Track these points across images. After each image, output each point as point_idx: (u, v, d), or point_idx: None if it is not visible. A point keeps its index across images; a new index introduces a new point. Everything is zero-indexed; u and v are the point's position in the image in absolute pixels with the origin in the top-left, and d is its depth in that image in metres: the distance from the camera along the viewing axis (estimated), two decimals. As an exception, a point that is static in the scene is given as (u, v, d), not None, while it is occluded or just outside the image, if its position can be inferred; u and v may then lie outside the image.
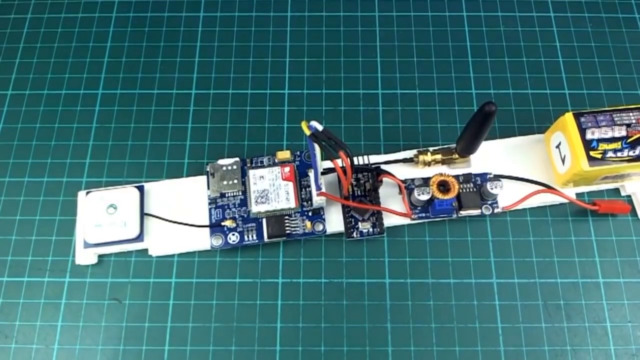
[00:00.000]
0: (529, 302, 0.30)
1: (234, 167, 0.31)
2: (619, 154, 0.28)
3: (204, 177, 0.32)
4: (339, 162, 0.26)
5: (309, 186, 0.31)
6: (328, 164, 0.30)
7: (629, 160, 0.28)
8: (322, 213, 0.31)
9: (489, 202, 0.31)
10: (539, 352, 0.29)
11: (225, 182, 0.31)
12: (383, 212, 0.31)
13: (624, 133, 0.29)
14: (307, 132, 0.25)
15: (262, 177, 0.30)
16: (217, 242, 0.30)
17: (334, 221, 0.31)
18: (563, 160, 0.30)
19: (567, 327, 0.29)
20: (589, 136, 0.29)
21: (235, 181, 0.31)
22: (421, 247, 0.31)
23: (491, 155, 0.32)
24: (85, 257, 0.30)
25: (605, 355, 0.29)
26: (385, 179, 0.31)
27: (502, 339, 0.29)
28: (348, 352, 0.29)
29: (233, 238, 0.30)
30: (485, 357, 0.29)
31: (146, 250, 0.31)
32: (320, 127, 0.25)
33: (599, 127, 0.29)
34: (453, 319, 0.29)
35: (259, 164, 0.32)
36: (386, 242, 0.31)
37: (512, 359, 0.29)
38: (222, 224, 0.30)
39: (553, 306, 0.30)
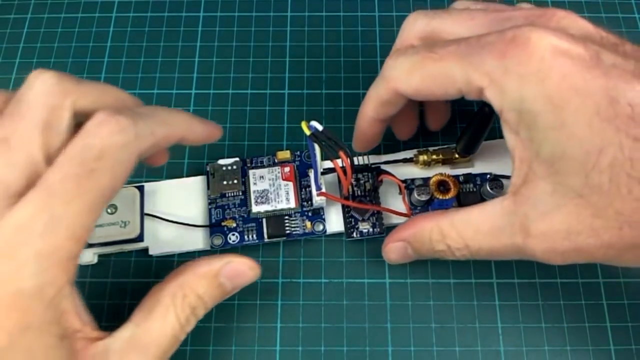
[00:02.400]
0: (529, 302, 0.30)
1: (234, 167, 0.31)
2: None
3: (204, 177, 0.32)
4: (339, 162, 0.26)
5: (309, 186, 0.31)
6: (328, 164, 0.30)
7: None
8: (322, 213, 0.31)
9: (489, 202, 0.31)
10: (539, 352, 0.29)
11: (225, 182, 0.31)
12: (383, 212, 0.31)
13: None
14: (307, 132, 0.25)
15: (262, 177, 0.30)
16: (218, 242, 0.30)
17: (334, 221, 0.31)
18: None
19: (567, 327, 0.29)
20: None
21: (235, 181, 0.31)
22: (421, 247, 0.31)
23: (491, 156, 0.32)
24: (85, 257, 0.30)
25: (605, 355, 0.29)
26: (385, 179, 0.31)
27: (502, 339, 0.29)
28: (348, 352, 0.29)
29: (233, 238, 0.30)
30: (485, 357, 0.29)
31: (146, 250, 0.31)
32: (320, 127, 0.25)
33: None
34: (453, 319, 0.30)
35: (259, 164, 0.32)
36: (386, 242, 0.31)
37: (512, 359, 0.29)
38: (222, 224, 0.30)
39: (553, 306, 0.30)
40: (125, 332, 0.21)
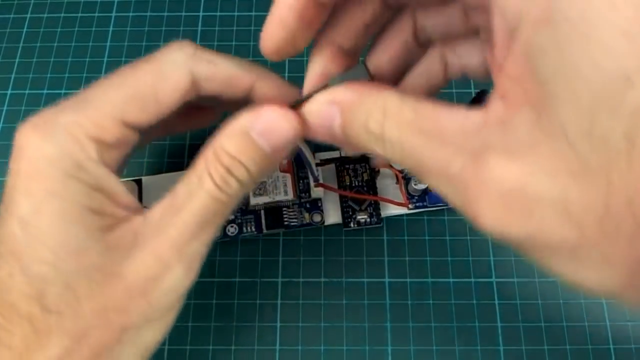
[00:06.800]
0: (528, 302, 0.30)
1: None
2: None
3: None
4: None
5: (307, 178, 0.31)
6: (323, 155, 0.30)
7: None
8: (320, 204, 0.31)
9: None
10: (538, 351, 0.29)
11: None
12: (380, 203, 0.31)
13: None
14: None
15: None
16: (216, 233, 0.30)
17: (332, 212, 0.31)
18: None
19: (567, 326, 0.29)
20: None
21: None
22: (421, 246, 0.31)
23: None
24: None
25: (605, 355, 0.29)
26: (382, 169, 0.31)
27: (502, 339, 0.29)
28: (348, 351, 0.29)
29: (232, 230, 0.30)
30: (485, 357, 0.29)
31: (145, 249, 0.31)
32: None
33: None
34: (453, 319, 0.29)
35: (258, 159, 0.32)
36: (385, 241, 0.31)
37: (512, 358, 0.29)
38: None
39: (552, 305, 0.30)
40: (164, 201, 0.21)
